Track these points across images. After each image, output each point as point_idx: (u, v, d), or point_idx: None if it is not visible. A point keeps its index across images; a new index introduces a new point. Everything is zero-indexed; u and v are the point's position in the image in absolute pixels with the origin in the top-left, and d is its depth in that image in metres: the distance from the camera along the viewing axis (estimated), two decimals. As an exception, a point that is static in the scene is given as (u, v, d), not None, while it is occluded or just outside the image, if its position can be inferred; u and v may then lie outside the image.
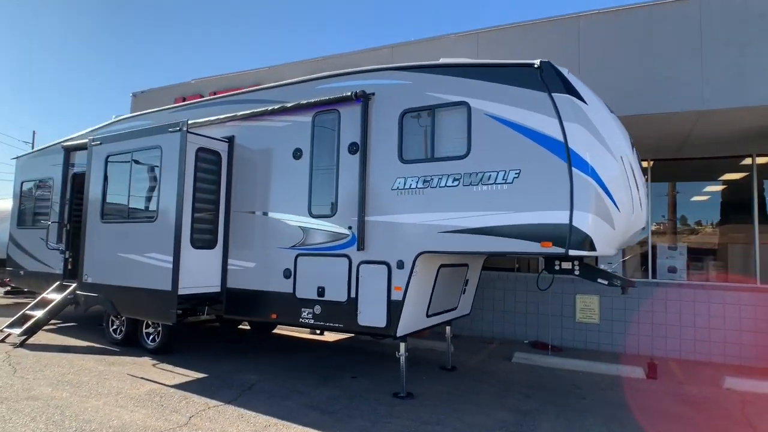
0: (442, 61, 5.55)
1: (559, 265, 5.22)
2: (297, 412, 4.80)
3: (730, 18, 6.86)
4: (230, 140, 6.45)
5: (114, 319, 7.52)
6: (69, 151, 8.58)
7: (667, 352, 7.73)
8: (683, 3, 7.23)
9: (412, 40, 9.49)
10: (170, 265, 5.77)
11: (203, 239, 6.10)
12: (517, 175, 4.53)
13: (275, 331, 9.17)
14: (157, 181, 6.09)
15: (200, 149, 6.09)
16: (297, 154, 5.88)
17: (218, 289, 6.27)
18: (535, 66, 4.55)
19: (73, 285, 7.80)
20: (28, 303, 8.08)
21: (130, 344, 7.31)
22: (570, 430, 4.63)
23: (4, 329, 7.58)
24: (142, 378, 5.78)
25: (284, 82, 6.34)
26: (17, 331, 7.43)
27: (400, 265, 5.04)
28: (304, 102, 5.80)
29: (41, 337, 7.72)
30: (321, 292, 5.51)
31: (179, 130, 5.88)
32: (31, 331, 7.37)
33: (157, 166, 6.11)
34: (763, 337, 7.19)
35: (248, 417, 4.64)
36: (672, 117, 7.04)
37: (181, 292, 5.73)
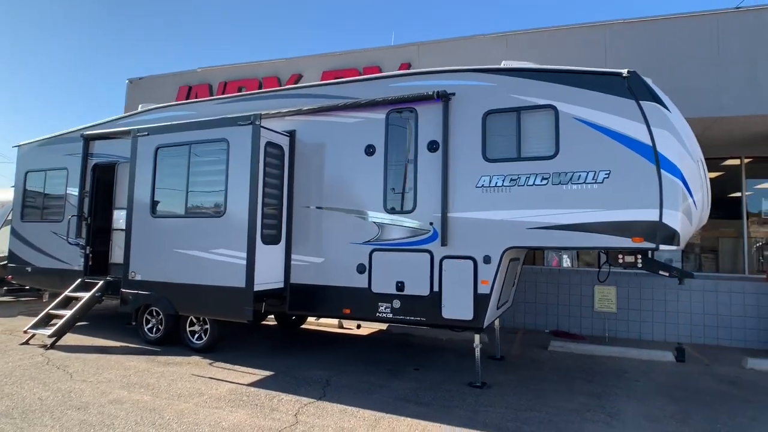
0: (525, 65, 5.75)
1: (623, 258, 5.62)
2: (394, 405, 4.91)
3: (743, 32, 7.57)
4: (291, 134, 6.38)
5: (149, 317, 7.24)
6: (89, 140, 8.09)
7: (679, 337, 8.44)
8: (702, 17, 7.89)
9: (439, 39, 9.66)
10: (243, 262, 5.67)
11: (270, 235, 6.02)
12: (607, 176, 4.86)
13: (303, 326, 9.15)
14: (224, 175, 5.93)
15: (268, 143, 5.99)
16: (370, 150, 5.93)
17: (282, 285, 6.22)
18: (624, 75, 4.88)
19: (100, 282, 7.46)
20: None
21: (168, 343, 7.07)
22: (647, 408, 5.06)
23: (29, 330, 7.10)
24: (210, 378, 5.66)
25: (353, 78, 6.38)
26: (45, 332, 6.98)
27: (487, 260, 5.26)
28: (380, 99, 5.86)
29: (67, 339, 7.29)
30: (400, 286, 5.62)
31: (251, 123, 5.76)
32: (61, 332, 6.95)
33: (223, 160, 5.95)
34: (765, 322, 8.04)
35: (352, 412, 4.71)
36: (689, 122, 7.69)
37: (255, 288, 5.64)
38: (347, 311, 5.92)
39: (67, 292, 7.59)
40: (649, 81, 4.90)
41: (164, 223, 6.37)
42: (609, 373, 6.48)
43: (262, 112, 6.47)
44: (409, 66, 9.61)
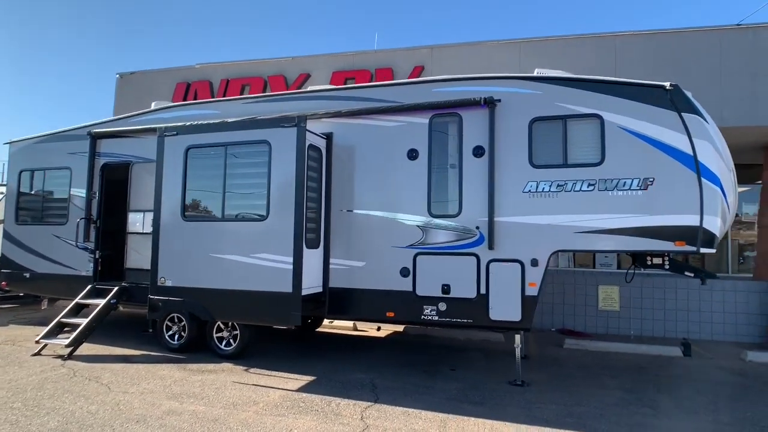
0: (561, 74, 5.95)
1: (651, 260, 5.95)
2: (450, 405, 5.00)
3: (743, 49, 8.15)
4: (328, 137, 6.34)
5: (169, 324, 7.00)
6: (96, 138, 7.70)
7: (677, 333, 8.98)
8: (705, 33, 8.43)
9: (452, 43, 9.82)
10: (290, 266, 5.59)
11: (311, 239, 5.97)
12: (651, 183, 5.15)
13: (317, 329, 9.07)
14: (265, 178, 5.81)
15: (309, 146, 5.93)
16: (413, 154, 5.99)
17: (320, 289, 6.18)
18: (666, 87, 5.18)
19: (114, 288, 7.14)
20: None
21: (190, 350, 6.87)
22: (678, 401, 5.40)
23: (41, 340, 6.70)
24: (255, 385, 5.54)
25: (395, 81, 6.42)
26: (60, 341, 6.62)
27: (534, 263, 5.44)
28: (424, 103, 5.93)
29: (82, 348, 6.90)
30: (446, 289, 5.72)
31: (296, 125, 5.68)
32: (78, 342, 6.60)
33: (265, 162, 5.83)
34: (754, 318, 8.69)
35: (414, 414, 4.76)
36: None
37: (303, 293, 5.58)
38: (391, 314, 5.96)
39: (78, 299, 7.21)
40: (689, 94, 5.22)
41: (198, 227, 6.18)
42: (629, 369, 6.82)
43: (298, 114, 6.40)
44: (422, 69, 9.71)
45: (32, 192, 8.28)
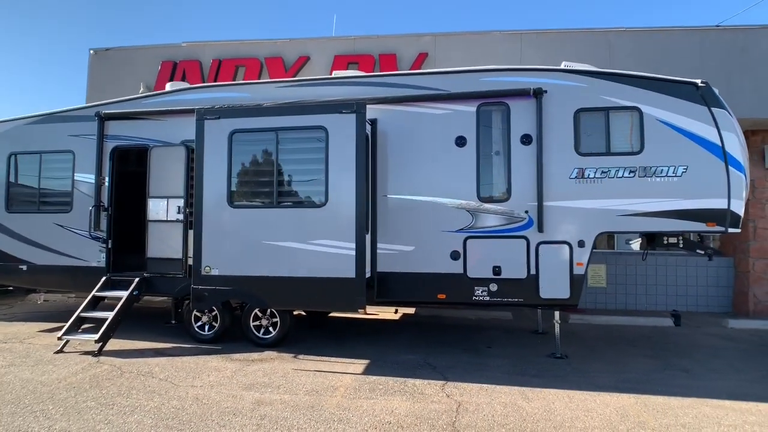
0: (585, 67, 6.35)
1: (667, 240, 6.61)
2: (516, 379, 5.34)
3: (721, 49, 9.06)
4: (373, 123, 6.34)
5: (198, 315, 6.76)
6: (105, 119, 7.13)
7: (657, 306, 9.97)
8: (690, 31, 9.27)
9: (456, 31, 10.00)
10: (352, 252, 5.60)
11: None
12: (685, 170, 5.71)
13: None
14: (322, 164, 5.73)
15: (361, 132, 5.91)
16: (461, 141, 6.17)
17: (369, 274, 6.24)
18: (698, 84, 5.73)
19: (136, 279, 6.76)
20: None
21: (222, 340, 6.69)
22: (700, 363, 6.12)
23: (63, 337, 6.23)
24: (317, 371, 5.53)
25: (441, 70, 6.50)
26: (88, 337, 6.20)
27: (581, 244, 5.87)
28: (473, 92, 6.11)
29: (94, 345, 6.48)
30: (497, 271, 6.01)
31: (355, 111, 5.65)
32: (106, 337, 6.20)
33: (321, 148, 5.75)
34: (723, 290, 9.84)
35: (491, 389, 5.02)
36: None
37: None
38: (442, 296, 6.16)
39: (94, 292, 6.73)
40: (716, 91, 5.81)
41: (248, 214, 5.97)
42: (639, 339, 7.55)
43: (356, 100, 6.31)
44: (426, 56, 9.83)
45: (26, 177, 7.51)
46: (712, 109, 5.70)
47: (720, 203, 5.65)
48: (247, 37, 13.12)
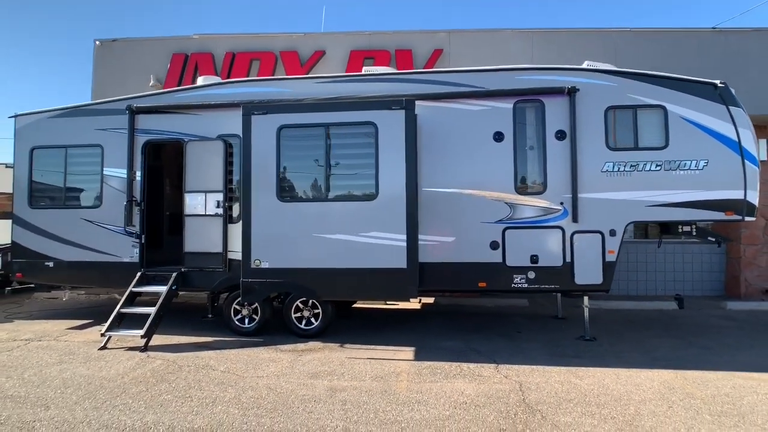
0: (606, 66, 6.74)
1: (681, 229, 7.11)
2: (560, 360, 5.70)
3: (718, 50, 9.67)
4: (413, 119, 6.54)
5: (237, 308, 6.84)
6: (136, 113, 7.06)
7: (657, 291, 10.61)
8: (689, 33, 9.84)
9: (469, 29, 10.26)
10: (404, 243, 5.83)
11: (408, 216, 6.20)
12: (706, 164, 6.18)
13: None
14: (373, 158, 5.90)
15: (406, 128, 6.10)
16: (498, 136, 6.45)
17: (410, 264, 6.46)
18: (717, 85, 6.20)
19: (174, 274, 6.78)
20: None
21: (263, 333, 6.80)
22: (714, 341, 6.65)
23: (106, 333, 6.20)
24: (370, 359, 5.73)
25: (480, 68, 6.70)
26: (132, 333, 6.20)
27: (613, 233, 6.27)
28: (510, 89, 6.40)
29: (137, 340, 6.48)
30: (535, 259, 6.35)
31: (404, 108, 5.84)
32: (151, 332, 6.22)
33: (371, 143, 5.91)
34: (715, 275, 10.56)
35: (542, 369, 5.35)
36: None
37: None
38: (483, 284, 6.46)
39: (131, 288, 6.71)
40: (733, 90, 6.29)
41: (298, 208, 6.08)
42: (652, 321, 8.09)
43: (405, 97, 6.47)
44: (441, 53, 10.06)
45: (50, 172, 7.34)
46: (730, 107, 6.18)
47: (737, 194, 6.15)
48: (245, 31, 12.99)
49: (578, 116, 6.35)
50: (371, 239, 5.92)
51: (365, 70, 7.53)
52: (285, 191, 6.14)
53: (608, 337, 6.86)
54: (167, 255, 7.70)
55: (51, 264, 7.22)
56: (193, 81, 10.36)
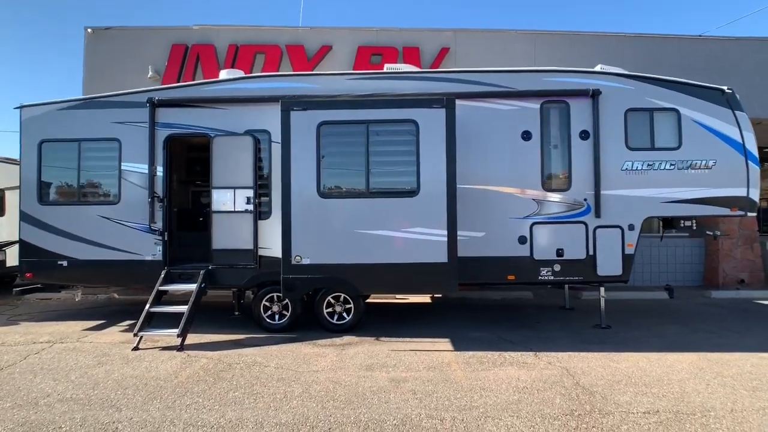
0: (618, 70, 7.16)
1: (683, 223, 7.68)
2: (589, 346, 6.07)
3: (704, 56, 10.41)
4: (444, 117, 6.71)
5: (267, 304, 6.82)
6: (158, 106, 6.85)
7: (643, 282, 11.34)
8: (678, 40, 10.52)
9: (474, 28, 10.52)
10: (444, 239, 6.00)
11: (444, 212, 6.38)
12: (714, 164, 6.72)
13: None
14: (414, 155, 6.02)
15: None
16: (526, 135, 6.73)
17: (440, 259, 6.65)
18: (725, 91, 6.74)
19: (202, 272, 6.68)
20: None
21: (293, 329, 6.81)
22: (717, 327, 7.24)
23: (139, 333, 6.03)
24: (413, 350, 5.89)
25: (508, 68, 6.95)
26: (166, 332, 6.07)
27: (631, 227, 6.71)
28: (538, 90, 6.69)
29: (167, 339, 6.33)
30: (560, 252, 6.70)
31: (445, 106, 5.99)
32: (185, 331, 6.10)
33: (412, 141, 6.03)
34: (696, 266, 11.40)
35: (577, 356, 5.70)
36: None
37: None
38: (511, 277, 6.74)
39: (158, 287, 6.54)
40: (738, 96, 6.85)
41: (339, 204, 6.11)
42: (652, 309, 8.68)
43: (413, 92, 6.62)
44: (448, 51, 10.27)
45: (61, 167, 6.98)
46: (735, 111, 6.74)
47: (741, 192, 6.72)
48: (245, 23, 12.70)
49: (601, 117, 6.72)
50: (413, 235, 6.06)
51: (387, 67, 7.59)
52: (325, 188, 6.17)
53: (620, 325, 7.33)
54: (180, 252, 7.48)
55: (65, 263, 6.90)
56: (195, 73, 10.11)
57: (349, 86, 6.78)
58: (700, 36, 10.58)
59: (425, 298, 9.64)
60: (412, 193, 6.13)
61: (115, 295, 9.80)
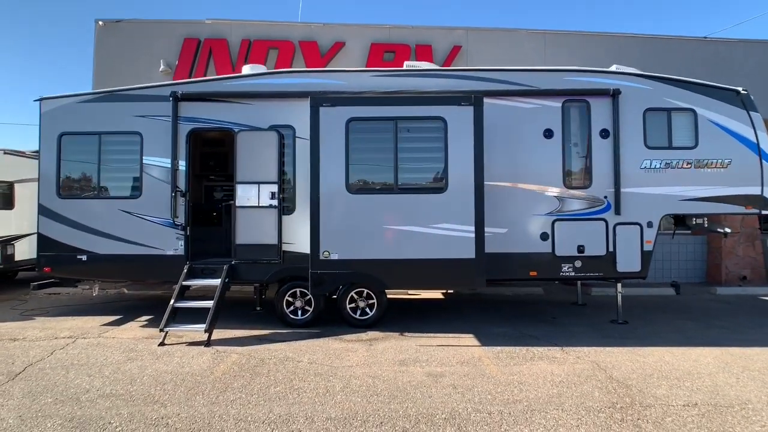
0: (633, 70, 7.29)
1: (694, 221, 7.85)
2: (613, 341, 6.18)
3: (708, 57, 10.62)
4: (468, 114, 6.76)
5: (291, 300, 6.82)
6: (181, 100, 6.79)
7: (648, 279, 11.51)
8: (684, 41, 10.71)
9: (487, 27, 10.59)
10: (472, 235, 6.06)
11: (469, 209, 6.44)
12: (729, 163, 6.88)
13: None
14: (442, 152, 6.07)
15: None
16: (548, 133, 6.82)
17: (464, 255, 6.71)
18: (740, 92, 6.90)
19: (225, 267, 6.66)
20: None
21: (314, 325, 6.83)
22: (729, 321, 7.43)
23: (164, 329, 5.99)
24: (440, 345, 5.96)
25: (530, 68, 7.03)
26: (192, 327, 6.04)
27: (650, 224, 6.84)
28: (560, 89, 6.78)
29: (191, 335, 6.30)
30: (581, 249, 6.81)
31: (473, 104, 6.04)
32: (212, 326, 6.07)
33: (440, 138, 6.07)
34: (699, 264, 11.65)
35: (604, 350, 5.81)
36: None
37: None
38: (534, 273, 6.83)
39: (182, 282, 6.50)
40: (752, 97, 7.02)
41: (368, 200, 6.13)
42: (662, 305, 8.86)
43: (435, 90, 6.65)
44: (460, 49, 10.33)
45: (81, 160, 6.88)
46: (750, 112, 6.91)
47: (756, 190, 6.90)
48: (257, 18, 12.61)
49: (621, 116, 6.84)
50: (440, 230, 6.11)
51: (407, 64, 7.62)
52: (354, 184, 6.18)
53: (637, 321, 7.48)
54: (195, 247, 7.40)
55: (84, 257, 6.81)
56: (207, 68, 10.02)
57: (374, 83, 6.79)
58: (705, 38, 10.79)
59: (437, 294, 9.71)
60: (440, 189, 6.18)
61: (125, 290, 9.70)
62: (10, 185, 9.24)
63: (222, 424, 3.76)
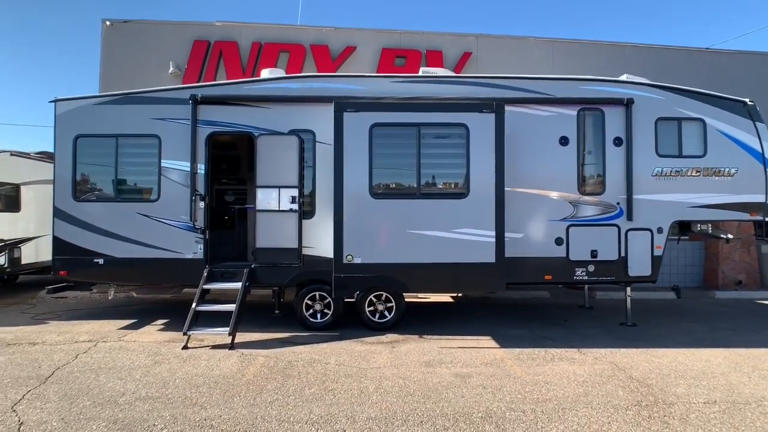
0: (641, 79, 7.51)
1: (699, 227, 8.11)
2: (627, 342, 6.38)
3: (710, 67, 10.93)
4: (485, 121, 6.90)
5: (310, 303, 6.88)
6: (199, 103, 6.81)
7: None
8: (687, 51, 11.01)
9: (496, 34, 10.77)
10: (493, 239, 6.20)
11: (487, 214, 6.57)
12: (736, 171, 7.12)
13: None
14: (464, 158, 6.19)
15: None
16: (563, 141, 6.99)
17: (481, 260, 6.85)
18: (747, 103, 7.15)
19: (246, 270, 6.70)
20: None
21: (334, 328, 6.89)
22: (726, 323, 7.67)
23: (188, 333, 6.01)
24: (460, 348, 6.08)
25: (547, 76, 7.19)
26: (217, 331, 6.07)
27: (660, 230, 7.05)
28: (576, 98, 6.95)
29: (212, 338, 6.33)
30: (594, 254, 6.98)
31: (494, 111, 6.18)
32: (234, 329, 6.11)
33: (462, 144, 6.20)
34: (696, 268, 11.95)
35: (619, 351, 5.97)
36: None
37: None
38: (548, 277, 6.99)
39: (203, 285, 6.51)
40: (758, 108, 7.28)
41: (391, 205, 6.22)
42: (665, 309, 9.10)
43: (452, 97, 6.78)
44: (470, 56, 10.49)
45: (98, 163, 6.86)
46: (756, 122, 7.16)
47: (760, 198, 7.15)
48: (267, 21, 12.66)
49: (634, 125, 7.04)
50: (462, 235, 6.23)
51: (423, 70, 7.72)
52: (377, 188, 6.28)
53: (644, 323, 7.68)
54: (212, 250, 7.41)
55: (101, 261, 6.78)
56: (217, 70, 10.04)
57: (392, 89, 6.89)
58: (707, 48, 11.11)
59: (446, 297, 9.84)
60: (461, 194, 6.31)
61: (134, 294, 9.62)
62: (16, 187, 9.14)
63: (266, 425, 3.81)
